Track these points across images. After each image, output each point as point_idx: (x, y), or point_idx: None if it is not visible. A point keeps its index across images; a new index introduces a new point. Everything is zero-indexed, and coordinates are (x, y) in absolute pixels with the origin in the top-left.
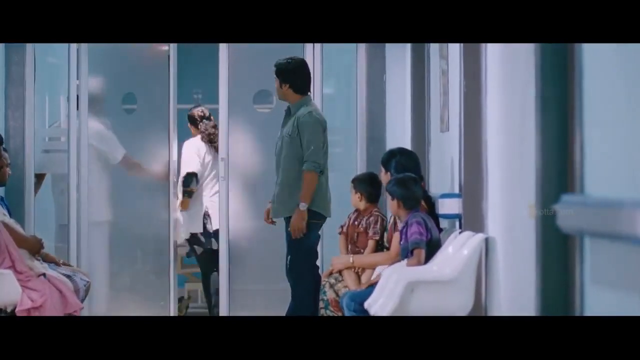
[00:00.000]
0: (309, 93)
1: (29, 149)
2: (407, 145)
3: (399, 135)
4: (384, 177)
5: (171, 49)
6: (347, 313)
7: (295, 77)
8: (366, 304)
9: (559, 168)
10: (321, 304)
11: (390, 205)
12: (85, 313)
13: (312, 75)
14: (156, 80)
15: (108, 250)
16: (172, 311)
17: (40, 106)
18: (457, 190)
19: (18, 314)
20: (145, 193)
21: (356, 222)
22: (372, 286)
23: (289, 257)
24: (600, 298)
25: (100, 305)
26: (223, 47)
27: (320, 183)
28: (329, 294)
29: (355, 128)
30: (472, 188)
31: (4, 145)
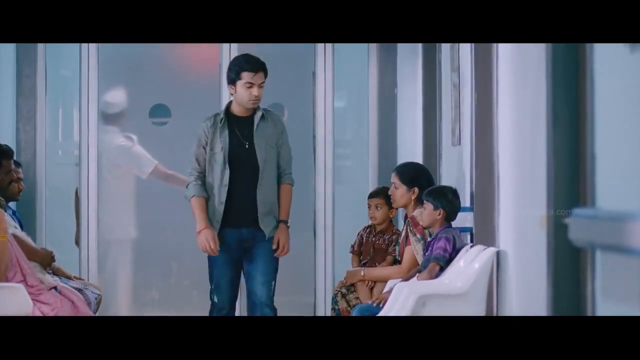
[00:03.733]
0: None
1: (40, 162)
2: (419, 158)
3: (410, 149)
4: (404, 193)
5: (223, 58)
6: None
7: None
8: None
9: (570, 181)
10: (332, 313)
11: (425, 215)
12: None
13: (323, 87)
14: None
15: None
16: None
17: (53, 119)
18: (468, 204)
19: None
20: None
21: (373, 239)
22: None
23: (274, 283)
24: (611, 311)
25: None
26: (234, 51)
27: None
28: (341, 304)
29: (366, 141)
30: (484, 201)
31: (14, 159)
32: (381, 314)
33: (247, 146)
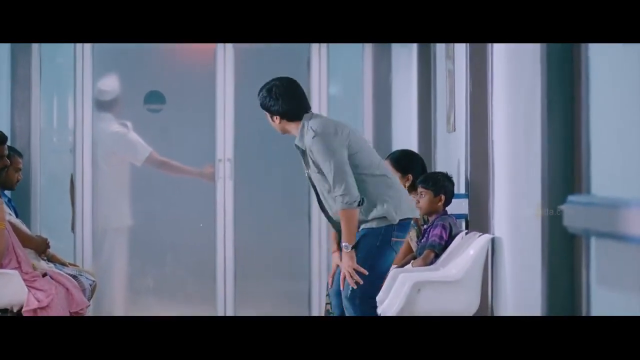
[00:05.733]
0: (309, 111)
1: (34, 150)
2: (414, 145)
3: (405, 136)
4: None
5: (218, 44)
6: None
7: (284, 103)
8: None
9: (565, 168)
10: (327, 299)
11: (425, 202)
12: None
13: (317, 75)
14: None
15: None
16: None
17: (48, 106)
18: (463, 191)
19: (24, 315)
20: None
21: None
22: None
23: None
24: (606, 299)
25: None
26: (228, 46)
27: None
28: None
29: (361, 129)
30: (479, 188)
31: (15, 149)
32: (377, 299)
33: (307, 175)
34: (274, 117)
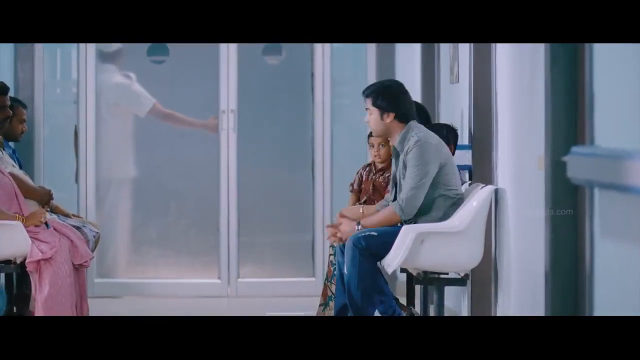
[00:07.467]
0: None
1: (38, 101)
2: (417, 96)
3: (408, 86)
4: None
5: None
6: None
7: (407, 102)
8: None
9: (568, 119)
10: (330, 251)
11: None
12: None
13: None
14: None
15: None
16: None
17: (51, 57)
18: (467, 142)
19: (28, 266)
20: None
21: (374, 177)
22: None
23: (372, 233)
24: (609, 250)
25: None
26: None
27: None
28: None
29: (364, 79)
30: (482, 139)
31: (19, 100)
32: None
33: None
34: (388, 114)
